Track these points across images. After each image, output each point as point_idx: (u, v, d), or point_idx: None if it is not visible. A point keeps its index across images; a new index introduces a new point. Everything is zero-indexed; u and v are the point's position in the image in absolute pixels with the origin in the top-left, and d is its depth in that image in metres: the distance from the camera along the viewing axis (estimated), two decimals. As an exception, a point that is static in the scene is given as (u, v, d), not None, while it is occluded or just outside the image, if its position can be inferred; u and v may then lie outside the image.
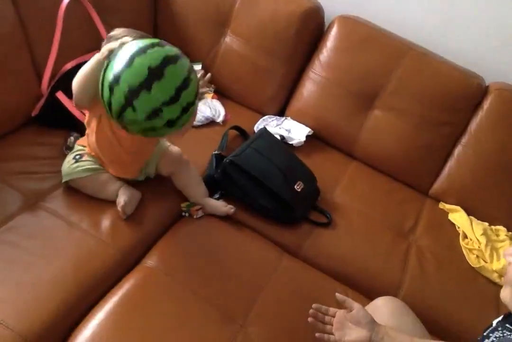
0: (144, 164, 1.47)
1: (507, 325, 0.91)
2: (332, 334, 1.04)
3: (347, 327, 1.02)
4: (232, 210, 1.51)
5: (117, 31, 1.32)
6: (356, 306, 1.04)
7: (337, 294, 1.09)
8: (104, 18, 1.76)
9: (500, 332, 0.92)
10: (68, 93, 1.58)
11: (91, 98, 1.27)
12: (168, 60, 1.12)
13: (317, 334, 1.05)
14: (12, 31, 1.46)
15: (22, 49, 1.51)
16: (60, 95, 1.58)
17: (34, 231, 1.24)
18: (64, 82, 1.60)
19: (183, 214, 1.50)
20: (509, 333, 0.89)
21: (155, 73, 1.09)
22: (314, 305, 1.09)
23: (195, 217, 1.48)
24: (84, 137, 1.45)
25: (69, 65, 1.64)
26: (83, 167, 1.37)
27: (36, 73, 1.57)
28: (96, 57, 1.21)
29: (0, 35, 1.42)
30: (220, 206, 1.52)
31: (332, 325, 1.05)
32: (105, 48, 1.18)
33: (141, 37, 1.27)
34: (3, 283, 1.11)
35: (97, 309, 1.15)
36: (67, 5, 1.59)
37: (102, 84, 1.13)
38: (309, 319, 1.08)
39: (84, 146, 1.43)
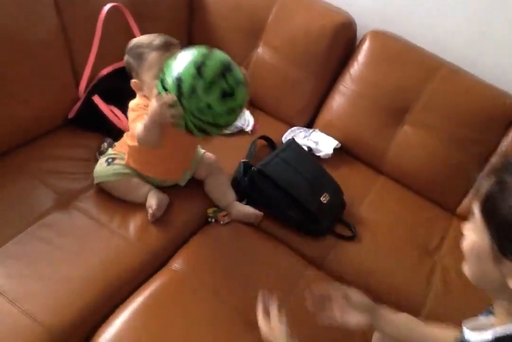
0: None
1: None
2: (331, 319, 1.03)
3: (347, 312, 1.03)
4: (261, 214, 1.52)
5: (134, 41, 1.34)
6: (355, 291, 1.05)
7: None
8: (142, 25, 1.81)
9: None
10: (104, 97, 1.63)
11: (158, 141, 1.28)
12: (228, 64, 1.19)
13: (320, 318, 1.04)
14: (55, 37, 1.52)
15: (63, 54, 1.56)
16: (96, 99, 1.62)
17: (66, 228, 1.27)
18: (100, 86, 1.65)
19: (209, 219, 1.51)
20: None
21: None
22: (316, 290, 1.08)
23: (221, 222, 1.50)
24: (119, 145, 1.48)
25: (105, 71, 1.69)
26: (115, 171, 1.40)
27: (74, 77, 1.62)
28: (151, 119, 1.19)
29: (44, 41, 1.48)
30: (248, 209, 1.53)
31: (330, 310, 1.04)
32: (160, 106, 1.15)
33: (159, 36, 1.32)
34: (34, 276, 1.15)
35: (123, 309, 1.17)
36: (107, 12, 1.64)
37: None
38: (308, 306, 1.06)
39: (122, 153, 1.45)
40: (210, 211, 1.52)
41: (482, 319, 0.87)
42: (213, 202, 1.56)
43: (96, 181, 1.41)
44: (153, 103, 1.15)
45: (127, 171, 1.42)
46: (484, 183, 0.73)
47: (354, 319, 1.02)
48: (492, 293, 0.79)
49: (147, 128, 1.21)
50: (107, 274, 1.21)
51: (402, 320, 1.04)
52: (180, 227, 1.44)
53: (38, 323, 1.06)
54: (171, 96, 1.12)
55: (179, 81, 1.11)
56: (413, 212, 1.84)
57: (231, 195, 1.56)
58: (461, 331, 0.87)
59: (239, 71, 1.21)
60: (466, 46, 1.97)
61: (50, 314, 1.08)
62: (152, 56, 1.27)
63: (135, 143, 1.34)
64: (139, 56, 1.28)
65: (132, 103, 1.34)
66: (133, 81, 1.33)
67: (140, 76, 1.30)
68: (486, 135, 1.87)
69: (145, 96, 1.33)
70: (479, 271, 0.78)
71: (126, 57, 1.34)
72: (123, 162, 1.43)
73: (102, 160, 1.45)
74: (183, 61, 1.14)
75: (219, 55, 1.19)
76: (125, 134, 1.46)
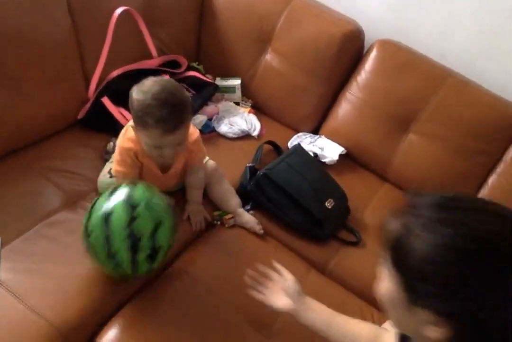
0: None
1: None
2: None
3: (277, 294, 1.07)
4: (261, 232, 1.52)
5: (141, 95, 1.18)
6: (290, 277, 1.09)
7: (274, 262, 1.13)
8: (152, 30, 1.84)
9: None
10: (113, 98, 1.65)
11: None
12: None
13: (250, 289, 1.08)
14: (67, 38, 1.54)
15: (74, 55, 1.58)
16: (105, 100, 1.64)
17: (73, 227, 1.27)
18: (110, 88, 1.67)
19: (215, 222, 1.52)
20: None
21: None
22: (257, 266, 1.13)
23: (226, 225, 1.50)
24: None
25: (115, 73, 1.71)
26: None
27: (84, 78, 1.64)
28: None
29: (56, 42, 1.50)
30: (252, 222, 1.53)
31: (267, 288, 1.09)
32: None
33: (164, 106, 1.16)
34: (42, 274, 1.16)
35: (127, 308, 1.17)
36: (119, 16, 1.66)
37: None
38: (246, 279, 1.11)
39: None
40: (216, 213, 1.53)
41: None
42: (218, 207, 1.56)
43: (99, 190, 1.42)
44: None
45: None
46: (391, 226, 0.68)
47: (281, 301, 1.06)
48: (418, 339, 0.74)
49: None
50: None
51: (326, 311, 1.07)
52: (185, 229, 1.45)
53: (44, 320, 1.07)
54: None
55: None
56: (417, 219, 1.84)
57: (235, 201, 1.57)
58: None
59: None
60: (474, 57, 1.98)
61: (56, 311, 1.09)
62: (154, 132, 1.18)
63: None
64: (143, 123, 1.18)
65: (122, 142, 1.31)
66: (131, 124, 1.28)
67: (137, 128, 1.23)
68: (491, 145, 1.87)
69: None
70: (396, 318, 0.74)
71: (130, 103, 1.21)
72: None
73: (105, 169, 1.45)
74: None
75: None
76: None
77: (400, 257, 0.65)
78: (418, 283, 0.64)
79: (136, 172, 1.34)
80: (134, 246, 1.06)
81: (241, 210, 1.54)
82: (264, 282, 1.10)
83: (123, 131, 1.33)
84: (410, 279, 0.65)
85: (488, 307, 0.60)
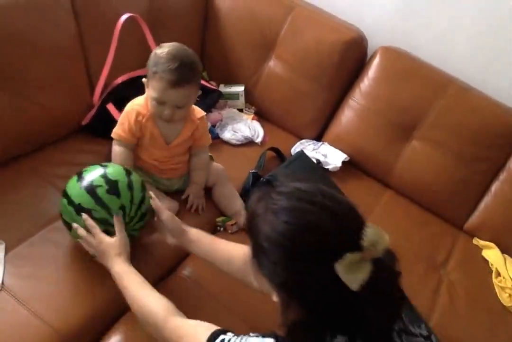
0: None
1: None
2: None
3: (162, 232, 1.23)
4: None
5: (161, 50, 1.30)
6: (167, 213, 1.19)
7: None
8: (157, 35, 1.84)
9: None
10: (118, 105, 1.66)
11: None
12: None
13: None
14: (72, 44, 1.54)
15: (79, 61, 1.59)
16: (110, 106, 1.64)
17: (77, 232, 1.28)
18: (115, 94, 1.68)
19: (218, 228, 1.52)
20: None
21: None
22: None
23: (230, 231, 1.50)
24: None
25: (120, 79, 1.72)
26: None
27: (89, 84, 1.65)
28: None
29: (61, 48, 1.50)
30: None
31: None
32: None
33: (177, 66, 1.26)
34: (45, 279, 1.16)
35: (131, 312, 1.16)
36: (124, 22, 1.67)
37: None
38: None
39: None
40: (219, 219, 1.53)
41: None
42: (221, 210, 1.57)
43: None
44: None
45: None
46: (253, 207, 0.81)
47: (169, 240, 1.21)
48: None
49: None
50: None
51: (205, 240, 1.19)
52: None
53: (47, 325, 1.06)
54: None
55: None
56: (420, 226, 1.85)
57: (238, 203, 1.57)
58: None
59: None
60: (476, 64, 1.99)
61: (59, 316, 1.09)
62: (159, 84, 1.27)
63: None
64: (153, 72, 1.28)
65: (127, 107, 1.40)
66: (143, 80, 1.36)
67: (148, 81, 1.33)
68: (494, 152, 1.88)
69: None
70: (254, 278, 0.88)
71: (150, 57, 1.32)
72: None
73: None
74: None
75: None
76: None
77: (253, 232, 0.79)
78: (260, 255, 0.78)
79: (134, 139, 1.39)
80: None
81: (244, 212, 1.54)
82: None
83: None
84: (256, 251, 0.79)
85: (307, 284, 0.74)
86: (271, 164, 1.81)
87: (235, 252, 1.13)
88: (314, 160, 1.87)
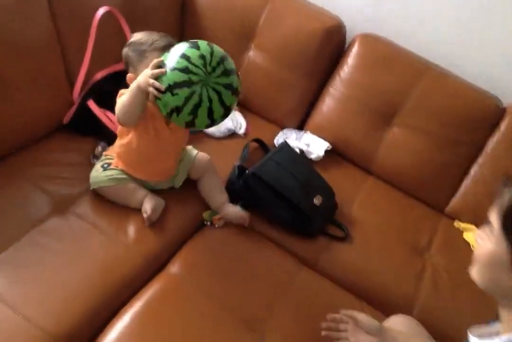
0: (176, 171, 1.52)
1: None
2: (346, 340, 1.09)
3: (360, 333, 1.08)
4: (248, 214, 1.54)
5: (136, 36, 1.39)
6: (362, 315, 1.10)
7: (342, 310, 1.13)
8: (134, 29, 1.81)
9: None
10: (98, 101, 1.65)
11: (138, 118, 1.31)
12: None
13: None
14: (49, 42, 1.52)
15: (57, 58, 1.57)
16: (91, 103, 1.63)
17: (64, 234, 1.29)
18: (94, 91, 1.66)
19: (205, 222, 1.54)
20: None
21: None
22: (328, 317, 1.14)
23: (216, 226, 1.52)
24: (112, 148, 1.50)
25: (99, 75, 1.70)
26: (111, 177, 1.42)
27: (69, 81, 1.63)
28: (136, 86, 1.23)
29: (39, 46, 1.48)
30: (237, 210, 1.55)
31: (345, 331, 1.10)
32: (148, 76, 1.20)
33: (162, 37, 1.36)
34: (34, 283, 1.16)
35: (123, 313, 1.19)
36: (101, 17, 1.64)
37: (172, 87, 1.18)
38: (323, 333, 1.12)
39: (112, 157, 1.47)
40: (205, 214, 1.54)
41: (489, 327, 0.91)
42: (206, 203, 1.58)
43: (92, 187, 1.42)
44: (144, 72, 1.21)
45: (123, 176, 1.43)
46: (505, 195, 0.75)
47: (367, 340, 1.07)
48: (501, 299, 0.83)
49: (130, 96, 1.25)
50: (106, 279, 1.23)
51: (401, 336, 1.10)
52: (176, 230, 1.46)
53: (40, 329, 1.07)
54: (162, 70, 1.18)
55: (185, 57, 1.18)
56: (402, 211, 1.89)
57: (222, 196, 1.58)
58: (467, 338, 0.90)
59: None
60: (453, 48, 2.02)
61: (51, 320, 1.10)
62: (153, 56, 1.28)
63: (123, 140, 1.40)
64: (141, 53, 1.32)
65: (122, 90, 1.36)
66: (129, 75, 1.35)
67: (137, 71, 1.32)
68: (472, 136, 1.92)
69: None
70: (492, 278, 0.81)
71: (125, 50, 1.37)
72: (117, 167, 1.45)
73: (98, 165, 1.46)
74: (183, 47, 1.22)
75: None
76: (117, 135, 1.47)
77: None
78: None
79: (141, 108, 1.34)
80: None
81: (227, 204, 1.56)
82: (342, 327, 1.12)
83: None
84: None
85: None
86: (254, 156, 1.82)
87: None
88: (297, 150, 1.89)
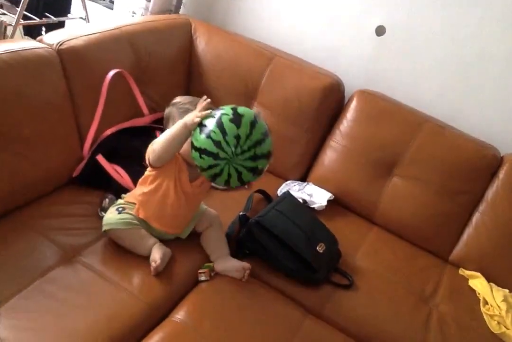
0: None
1: None
2: None
3: None
4: (248, 265, 1.54)
5: (180, 98, 1.56)
6: None
7: None
8: (143, 90, 1.94)
9: None
10: (107, 156, 1.72)
11: (171, 157, 1.41)
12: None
13: None
14: (62, 101, 1.61)
15: (69, 116, 1.65)
16: (100, 158, 1.70)
17: (71, 283, 1.30)
18: (104, 146, 1.74)
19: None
20: None
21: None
22: None
23: (201, 278, 1.50)
24: (130, 195, 1.55)
25: (109, 131, 1.79)
26: (125, 220, 1.46)
27: (79, 137, 1.71)
28: (183, 123, 1.33)
29: (52, 105, 1.57)
30: (236, 262, 1.56)
31: None
32: (196, 116, 1.31)
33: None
34: (40, 331, 1.16)
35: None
36: (111, 78, 1.76)
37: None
38: None
39: (132, 203, 1.52)
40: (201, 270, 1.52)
41: None
42: (207, 254, 1.59)
43: (104, 228, 1.46)
44: (192, 112, 1.35)
45: (135, 221, 1.48)
46: None
47: None
48: None
49: (174, 132, 1.34)
50: (111, 327, 1.23)
51: None
52: (181, 279, 1.48)
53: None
54: (208, 112, 1.30)
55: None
56: (407, 260, 1.89)
57: (224, 249, 1.60)
58: None
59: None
60: (449, 102, 2.12)
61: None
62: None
63: (144, 187, 1.48)
64: (185, 110, 1.47)
65: None
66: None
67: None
68: (471, 185, 1.96)
69: None
70: None
71: (169, 108, 1.55)
72: (132, 212, 1.50)
73: (112, 209, 1.51)
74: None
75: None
76: (138, 184, 1.54)
77: None
78: None
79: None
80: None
81: (229, 257, 1.58)
82: None
83: None
84: None
85: None
86: (258, 206, 1.86)
87: None
88: (300, 200, 1.93)
